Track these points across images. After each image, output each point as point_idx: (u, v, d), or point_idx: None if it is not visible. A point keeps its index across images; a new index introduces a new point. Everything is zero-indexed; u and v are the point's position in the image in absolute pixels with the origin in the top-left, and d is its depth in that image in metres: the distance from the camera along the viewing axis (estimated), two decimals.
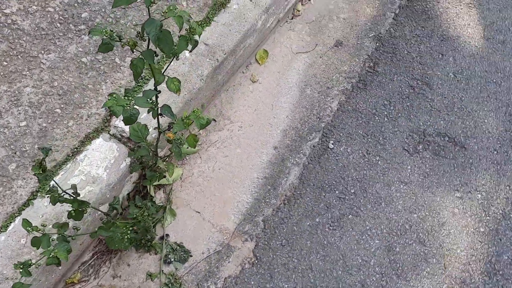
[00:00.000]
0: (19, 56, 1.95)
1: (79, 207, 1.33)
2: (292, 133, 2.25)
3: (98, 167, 1.78)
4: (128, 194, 1.93)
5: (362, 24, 2.69)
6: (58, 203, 1.31)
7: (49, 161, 1.77)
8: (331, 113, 2.32)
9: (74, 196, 1.33)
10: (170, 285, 1.81)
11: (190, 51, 1.72)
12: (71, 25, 2.08)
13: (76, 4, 2.13)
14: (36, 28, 2.04)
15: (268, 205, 2.03)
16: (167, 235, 1.90)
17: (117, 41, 1.44)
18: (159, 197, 1.99)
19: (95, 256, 1.82)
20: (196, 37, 1.49)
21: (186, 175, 2.09)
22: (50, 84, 1.92)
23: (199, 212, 1.98)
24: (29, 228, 1.24)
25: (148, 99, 1.52)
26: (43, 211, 1.66)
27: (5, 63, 1.92)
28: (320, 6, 2.75)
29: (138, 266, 1.81)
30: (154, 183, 1.93)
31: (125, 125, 1.46)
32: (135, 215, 1.75)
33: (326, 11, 2.73)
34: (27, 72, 1.93)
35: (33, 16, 2.06)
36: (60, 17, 2.09)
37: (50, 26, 2.06)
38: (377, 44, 2.61)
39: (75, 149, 1.81)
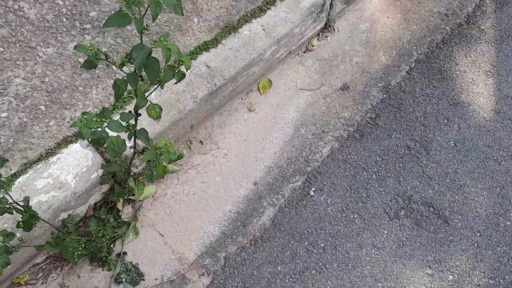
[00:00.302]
0: (17, 45, 1.95)
1: (28, 220, 1.32)
2: (276, 171, 2.22)
3: (68, 173, 1.77)
4: (95, 203, 1.92)
5: (374, 71, 2.65)
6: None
7: (21, 158, 1.76)
8: (320, 159, 2.28)
9: (25, 208, 1.32)
10: None
11: (176, 83, 1.71)
12: (77, 22, 2.08)
13: (87, 2, 2.13)
14: (41, 19, 2.04)
15: (233, 242, 2.00)
16: (125, 253, 1.87)
17: (103, 59, 1.43)
18: (126, 211, 1.98)
19: (48, 260, 1.81)
20: (183, 69, 1.48)
21: (159, 194, 2.07)
22: (41, 79, 1.92)
23: (162, 235, 1.95)
24: None
25: (123, 123, 1.50)
26: None
27: (1, 49, 1.92)
28: (336, 45, 2.72)
29: (87, 280, 1.79)
30: (123, 198, 1.91)
31: (93, 145, 1.45)
32: (92, 232, 1.73)
33: (341, 51, 2.69)
34: (21, 63, 1.93)
35: (41, 6, 2.06)
36: (68, 12, 2.09)
37: (56, 20, 2.06)
38: (384, 95, 2.56)
39: (50, 150, 1.80)
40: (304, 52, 2.68)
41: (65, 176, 1.76)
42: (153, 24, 2.18)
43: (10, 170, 1.74)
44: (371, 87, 2.59)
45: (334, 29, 2.81)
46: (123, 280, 1.82)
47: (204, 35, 2.23)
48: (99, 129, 1.35)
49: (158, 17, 2.23)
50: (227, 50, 2.24)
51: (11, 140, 1.78)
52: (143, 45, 1.43)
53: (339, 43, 2.73)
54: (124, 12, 1.31)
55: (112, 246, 1.88)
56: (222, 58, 2.21)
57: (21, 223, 1.32)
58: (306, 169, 2.25)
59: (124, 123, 1.46)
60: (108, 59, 1.42)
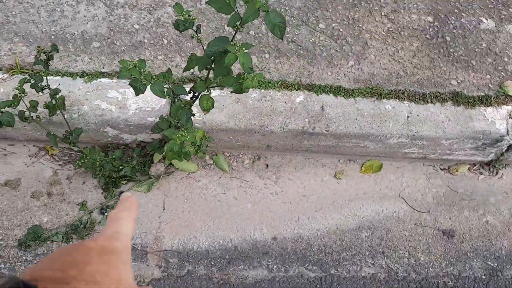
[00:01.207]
0: None
1: (52, 106, 1.47)
2: (301, 246, 2.00)
3: (137, 102, 1.90)
4: (141, 141, 2.03)
5: (497, 247, 2.11)
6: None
7: (118, 65, 1.95)
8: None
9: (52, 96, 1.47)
10: None
11: (232, 92, 1.60)
12: None
13: None
14: None
15: (205, 267, 1.91)
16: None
17: (192, 29, 1.44)
18: (157, 168, 2.05)
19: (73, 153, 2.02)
20: (248, 84, 1.39)
21: (194, 176, 2.08)
22: None
23: (164, 209, 1.98)
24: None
25: (166, 90, 1.50)
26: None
27: None
28: (483, 189, 2.24)
29: (83, 189, 1.95)
30: (159, 154, 1.98)
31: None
32: (114, 157, 1.85)
33: (481, 199, 2.22)
34: None
35: None
36: None
37: None
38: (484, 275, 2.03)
39: None
40: (442, 169, 2.29)
41: (131, 103, 1.90)
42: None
43: (103, 68, 1.95)
44: (480, 258, 2.09)
45: (496, 172, 2.31)
46: (105, 213, 1.92)
47: (345, 79, 2.07)
48: (142, 81, 1.39)
49: (322, 34, 2.15)
50: (354, 107, 2.05)
51: (123, 47, 1.99)
52: (227, 39, 1.40)
53: (488, 191, 2.24)
54: (228, 2, 1.30)
55: (124, 182, 1.99)
56: (342, 111, 2.03)
57: (46, 105, 1.49)
58: (329, 269, 1.98)
59: (165, 91, 1.46)
60: (197, 32, 1.43)
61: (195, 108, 2.06)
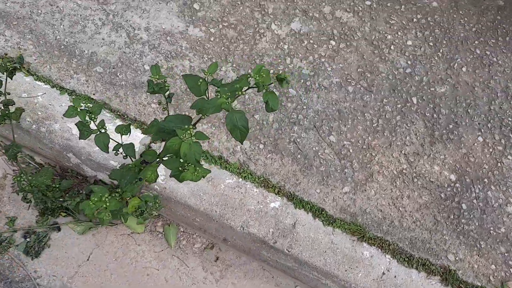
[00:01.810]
0: None
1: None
2: None
3: None
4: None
5: None
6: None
7: None
8: None
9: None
10: None
11: None
12: None
13: None
14: None
15: None
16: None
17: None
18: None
19: None
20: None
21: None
22: None
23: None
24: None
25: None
26: None
27: None
28: None
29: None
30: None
31: None
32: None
33: None
34: None
35: None
36: None
37: None
38: None
39: None
40: None
41: None
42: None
43: (93, 94, 1.89)
44: None
45: None
46: (27, 238, 1.79)
47: (332, 204, 1.86)
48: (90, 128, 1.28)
49: None
50: (328, 238, 1.82)
51: (123, 82, 1.93)
52: (187, 119, 1.27)
53: None
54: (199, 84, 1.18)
55: (63, 214, 1.86)
56: (314, 236, 1.81)
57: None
58: None
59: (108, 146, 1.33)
60: (167, 99, 1.32)
61: (163, 170, 1.95)
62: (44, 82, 1.89)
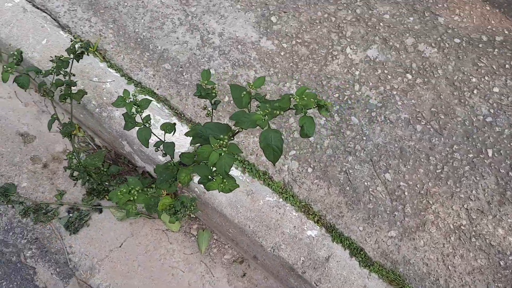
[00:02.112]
0: None
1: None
2: None
3: None
4: None
5: None
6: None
7: None
8: None
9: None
10: None
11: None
12: None
13: None
14: None
15: None
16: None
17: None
18: None
19: None
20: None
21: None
22: None
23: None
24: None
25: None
26: None
27: None
28: None
29: None
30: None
31: None
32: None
33: None
34: None
35: None
36: None
37: None
38: None
39: None
40: None
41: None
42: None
43: (157, 89, 1.94)
44: None
45: None
46: (70, 214, 1.89)
47: (373, 246, 1.73)
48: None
49: None
50: (362, 281, 1.69)
51: (187, 82, 1.96)
52: (225, 128, 1.24)
53: None
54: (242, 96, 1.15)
55: (107, 198, 1.94)
56: (347, 275, 1.69)
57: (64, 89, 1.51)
58: None
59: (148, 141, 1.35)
60: (212, 106, 1.29)
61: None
62: (115, 70, 1.99)
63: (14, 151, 2.01)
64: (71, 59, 1.48)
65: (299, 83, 2.04)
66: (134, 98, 1.36)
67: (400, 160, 1.92)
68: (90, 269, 1.83)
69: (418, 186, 1.88)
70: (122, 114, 1.37)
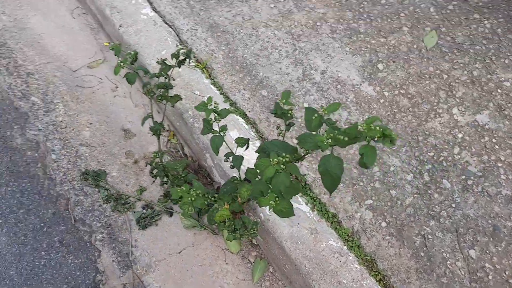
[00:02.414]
0: None
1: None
2: None
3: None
4: None
5: None
6: None
7: None
8: None
9: None
10: None
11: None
12: None
13: None
14: None
15: None
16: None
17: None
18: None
19: None
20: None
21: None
22: None
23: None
24: None
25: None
26: None
27: None
28: None
29: None
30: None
31: None
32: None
33: None
34: None
35: None
36: None
37: None
38: None
39: None
40: None
41: (237, 151, 1.89)
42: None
43: (249, 112, 1.99)
44: None
45: None
46: (144, 210, 1.99)
47: None
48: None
49: None
50: None
51: None
52: (288, 147, 1.22)
53: None
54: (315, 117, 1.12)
55: None
56: None
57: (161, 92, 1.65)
58: None
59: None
60: (286, 126, 1.28)
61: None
62: (216, 87, 2.11)
63: (114, 143, 2.22)
64: (173, 66, 1.62)
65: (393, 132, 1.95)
66: (215, 106, 1.42)
67: (491, 239, 1.69)
68: (147, 266, 1.89)
69: (506, 273, 1.63)
70: (202, 119, 1.45)
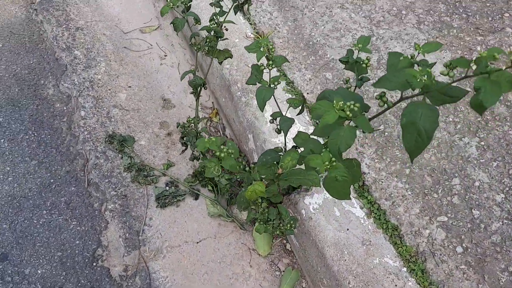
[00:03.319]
0: None
1: None
2: None
3: None
4: None
5: None
6: None
7: None
8: None
9: None
10: None
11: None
12: None
13: None
14: None
15: None
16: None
17: None
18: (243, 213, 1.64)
19: None
20: None
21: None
22: None
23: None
24: None
25: None
26: None
27: None
28: None
29: None
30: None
31: None
32: None
33: None
34: None
35: None
36: None
37: None
38: None
39: None
40: None
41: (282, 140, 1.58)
42: None
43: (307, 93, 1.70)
44: None
45: None
46: (166, 187, 1.71)
47: None
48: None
49: None
50: None
51: None
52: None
53: None
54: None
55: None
56: None
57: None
58: None
59: None
60: None
61: (321, 198, 1.57)
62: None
63: (150, 110, 1.99)
64: (231, 7, 1.37)
65: (482, 143, 1.58)
66: (271, 53, 1.15)
67: None
68: (157, 250, 1.60)
69: None
70: (251, 66, 1.17)
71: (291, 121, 1.15)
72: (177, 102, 2.01)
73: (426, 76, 0.75)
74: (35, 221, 1.64)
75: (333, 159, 0.87)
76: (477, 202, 1.45)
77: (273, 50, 1.16)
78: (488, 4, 1.99)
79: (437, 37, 1.89)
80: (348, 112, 0.83)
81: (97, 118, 1.94)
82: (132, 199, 1.72)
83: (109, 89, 2.04)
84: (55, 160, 1.80)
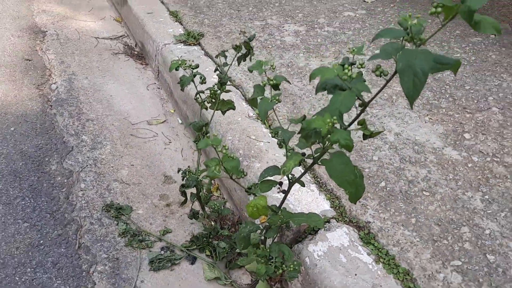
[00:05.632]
0: None
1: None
2: None
3: None
4: None
5: None
6: None
7: None
8: None
9: None
10: None
11: None
12: None
13: None
14: None
15: None
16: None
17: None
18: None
19: None
20: None
21: None
22: None
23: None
24: None
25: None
26: None
27: None
28: None
29: None
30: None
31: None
32: None
33: None
34: None
35: None
36: None
37: None
38: None
39: None
40: None
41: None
42: None
43: None
44: None
45: None
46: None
47: None
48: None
49: None
50: None
51: None
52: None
53: None
54: None
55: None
56: None
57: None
58: None
59: None
60: None
61: (326, 246, 1.46)
62: (271, 133, 1.93)
63: (150, 184, 1.99)
64: (235, 55, 1.49)
65: (486, 196, 1.55)
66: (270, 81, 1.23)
67: None
68: None
69: None
70: (253, 86, 1.24)
71: (291, 133, 1.18)
72: (178, 179, 2.03)
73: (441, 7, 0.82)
74: (17, 278, 1.51)
75: (335, 118, 0.89)
76: (490, 248, 1.38)
77: (273, 67, 1.25)
78: (472, 91, 2.17)
79: (427, 115, 2.01)
80: (347, 74, 0.88)
81: (96, 189, 1.94)
82: (124, 262, 1.61)
83: (112, 166, 2.08)
84: (48, 224, 1.74)
